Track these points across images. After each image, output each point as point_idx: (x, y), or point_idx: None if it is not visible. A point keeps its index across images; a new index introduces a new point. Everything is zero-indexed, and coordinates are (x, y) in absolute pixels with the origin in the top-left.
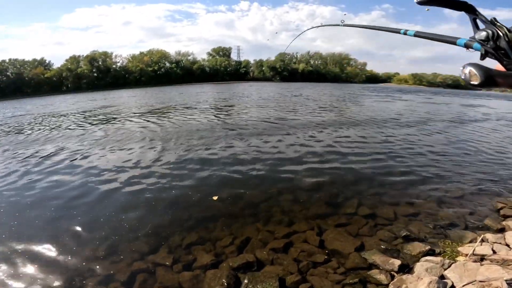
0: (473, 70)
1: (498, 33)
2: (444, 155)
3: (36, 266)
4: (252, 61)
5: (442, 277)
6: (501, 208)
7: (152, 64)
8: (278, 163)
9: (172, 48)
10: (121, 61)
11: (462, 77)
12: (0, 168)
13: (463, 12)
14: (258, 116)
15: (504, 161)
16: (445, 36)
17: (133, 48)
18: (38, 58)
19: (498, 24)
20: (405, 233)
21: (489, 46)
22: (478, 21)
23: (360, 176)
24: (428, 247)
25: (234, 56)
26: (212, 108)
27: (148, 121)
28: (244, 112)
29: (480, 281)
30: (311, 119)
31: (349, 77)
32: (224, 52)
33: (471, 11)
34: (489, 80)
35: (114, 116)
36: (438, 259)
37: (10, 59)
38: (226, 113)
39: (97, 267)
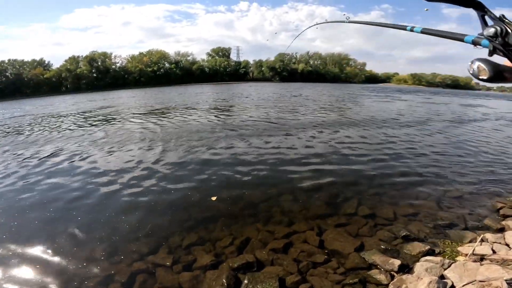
0: (482, 65)
1: (507, 29)
2: (443, 155)
3: (36, 267)
4: (251, 62)
5: (442, 277)
6: (501, 208)
7: (152, 64)
8: (277, 163)
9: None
10: (120, 62)
11: (471, 72)
12: (0, 169)
13: (462, 12)
14: (257, 116)
15: (504, 161)
16: (453, 33)
17: (133, 49)
18: (38, 58)
19: (506, 20)
20: (405, 233)
21: (497, 42)
22: (486, 17)
23: (360, 176)
24: (428, 247)
25: (233, 57)
26: (211, 109)
27: (148, 121)
28: (244, 112)
29: (480, 281)
30: (311, 119)
31: (349, 77)
32: (223, 53)
33: (480, 8)
34: (498, 75)
35: (114, 116)
36: (438, 259)
37: (9, 60)
38: (225, 113)
39: (97, 267)
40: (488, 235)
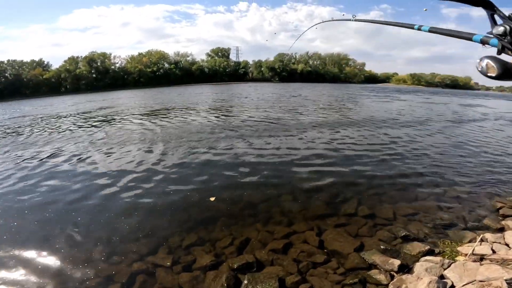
0: (491, 63)
1: None
2: (443, 154)
3: (36, 268)
4: (251, 62)
5: (441, 277)
6: (500, 208)
7: (151, 65)
8: (277, 163)
9: (171, 49)
10: (120, 62)
11: (479, 69)
12: None
13: (461, 13)
14: (257, 117)
15: (503, 161)
16: (461, 32)
17: (132, 49)
18: (37, 59)
19: None
20: (404, 233)
21: (506, 41)
22: (496, 16)
23: (360, 176)
24: (427, 247)
25: (233, 57)
26: (211, 109)
27: (147, 122)
28: (243, 112)
29: (480, 281)
30: (310, 119)
31: (348, 78)
32: (223, 53)
33: (489, 7)
34: (506, 73)
35: (113, 117)
36: (438, 259)
37: (8, 60)
38: (225, 114)
39: (97, 268)
40: (488, 235)
